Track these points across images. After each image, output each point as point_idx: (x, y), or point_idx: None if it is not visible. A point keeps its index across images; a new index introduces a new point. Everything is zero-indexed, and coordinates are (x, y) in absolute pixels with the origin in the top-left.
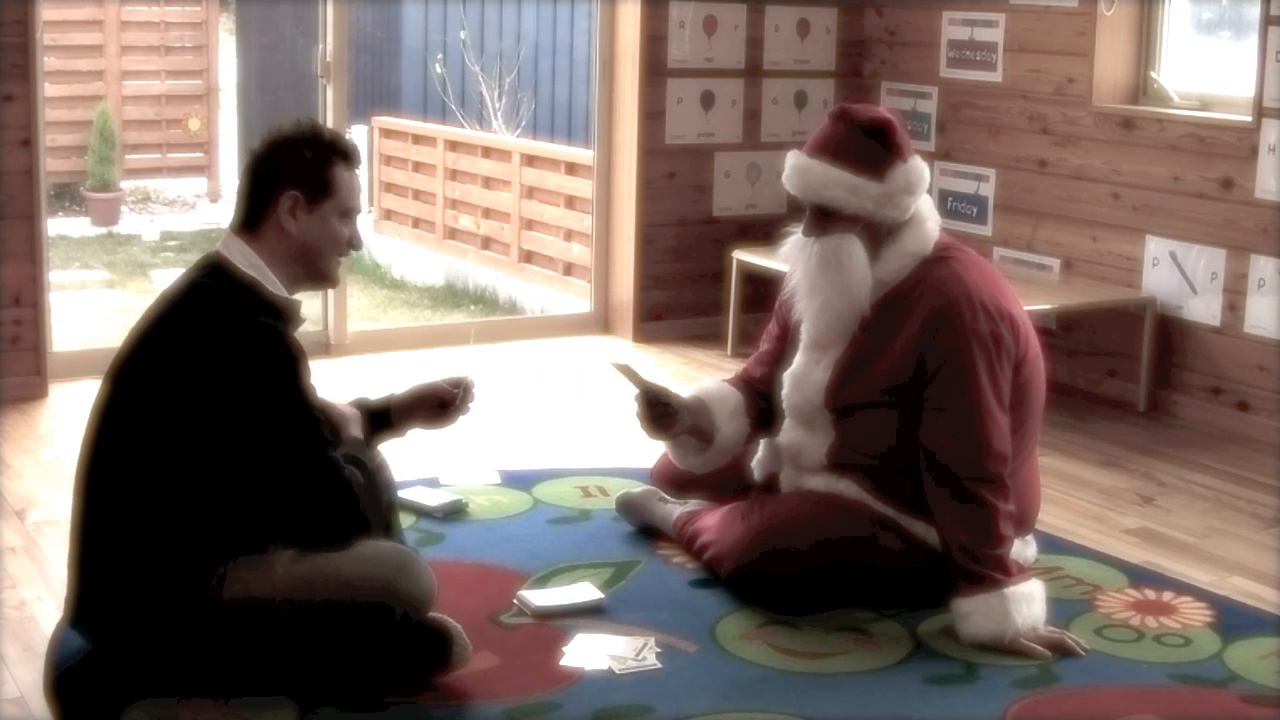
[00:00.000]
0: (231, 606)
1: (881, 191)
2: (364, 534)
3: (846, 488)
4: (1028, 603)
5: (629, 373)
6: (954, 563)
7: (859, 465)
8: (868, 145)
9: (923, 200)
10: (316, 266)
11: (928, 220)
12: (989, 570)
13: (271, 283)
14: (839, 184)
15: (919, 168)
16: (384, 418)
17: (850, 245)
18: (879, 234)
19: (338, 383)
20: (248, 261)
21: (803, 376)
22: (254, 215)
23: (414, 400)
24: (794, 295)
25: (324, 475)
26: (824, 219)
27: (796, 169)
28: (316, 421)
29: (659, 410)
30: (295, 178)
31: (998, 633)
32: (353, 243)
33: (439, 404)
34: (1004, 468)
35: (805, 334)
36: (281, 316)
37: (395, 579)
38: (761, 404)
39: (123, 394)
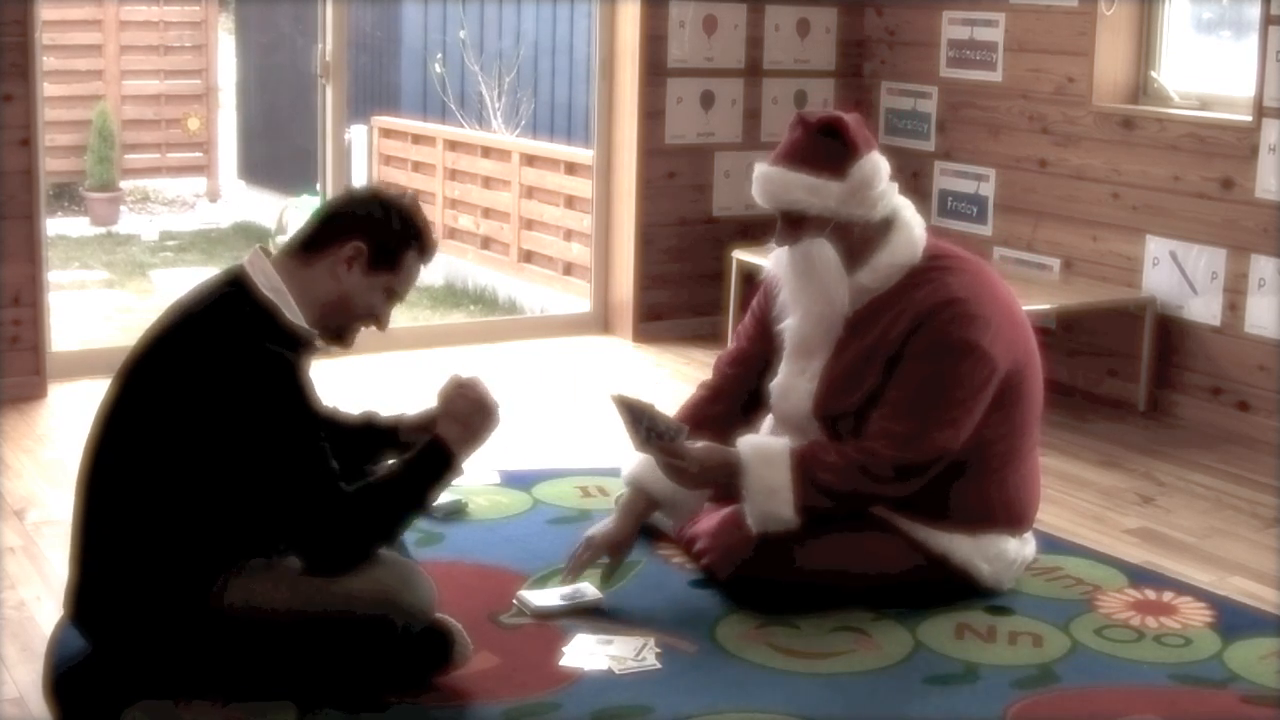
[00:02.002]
0: (232, 613)
1: (842, 189)
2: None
3: None
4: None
5: (626, 411)
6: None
7: None
8: (823, 145)
9: (904, 206)
10: (342, 323)
11: (914, 228)
12: (797, 496)
13: (291, 310)
14: (799, 186)
15: (876, 160)
16: (391, 436)
17: (820, 249)
18: (854, 238)
19: (338, 383)
20: (269, 284)
21: (789, 387)
22: (315, 245)
23: (422, 424)
24: (783, 308)
25: (323, 509)
26: (794, 226)
27: (759, 179)
28: (322, 454)
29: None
30: (372, 236)
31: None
32: (380, 323)
33: None
34: (926, 456)
35: (789, 342)
36: (295, 345)
37: (397, 592)
38: (729, 411)
39: (131, 397)
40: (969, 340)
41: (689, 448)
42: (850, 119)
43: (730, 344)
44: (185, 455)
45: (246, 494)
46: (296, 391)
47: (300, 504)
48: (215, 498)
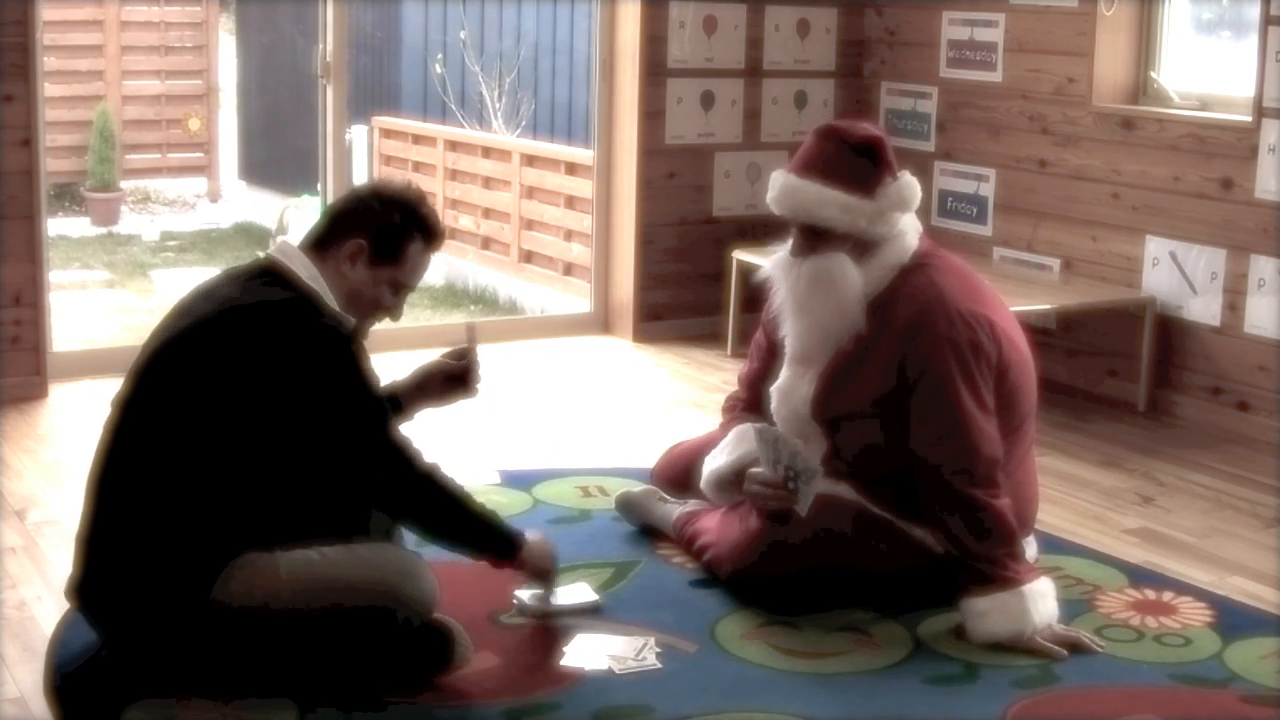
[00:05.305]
0: (234, 608)
1: (873, 209)
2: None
3: (846, 490)
4: (1043, 599)
5: (768, 445)
6: (968, 567)
7: (854, 473)
8: (858, 163)
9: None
10: (356, 317)
11: (909, 232)
12: (1004, 570)
13: (330, 297)
14: (833, 203)
15: (910, 184)
16: (392, 402)
17: (842, 265)
18: (864, 250)
19: None
20: (309, 274)
21: (789, 390)
22: (324, 243)
23: (420, 381)
24: (779, 314)
25: (395, 458)
26: (814, 239)
27: (788, 189)
28: (385, 409)
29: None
30: (373, 231)
31: (1017, 631)
32: (392, 314)
33: (445, 380)
34: (995, 470)
35: (790, 350)
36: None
37: (399, 584)
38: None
39: (168, 386)
40: (966, 339)
41: (811, 497)
42: (885, 137)
43: (746, 365)
44: (225, 437)
45: (303, 464)
46: (357, 355)
47: (374, 456)
48: (233, 484)
